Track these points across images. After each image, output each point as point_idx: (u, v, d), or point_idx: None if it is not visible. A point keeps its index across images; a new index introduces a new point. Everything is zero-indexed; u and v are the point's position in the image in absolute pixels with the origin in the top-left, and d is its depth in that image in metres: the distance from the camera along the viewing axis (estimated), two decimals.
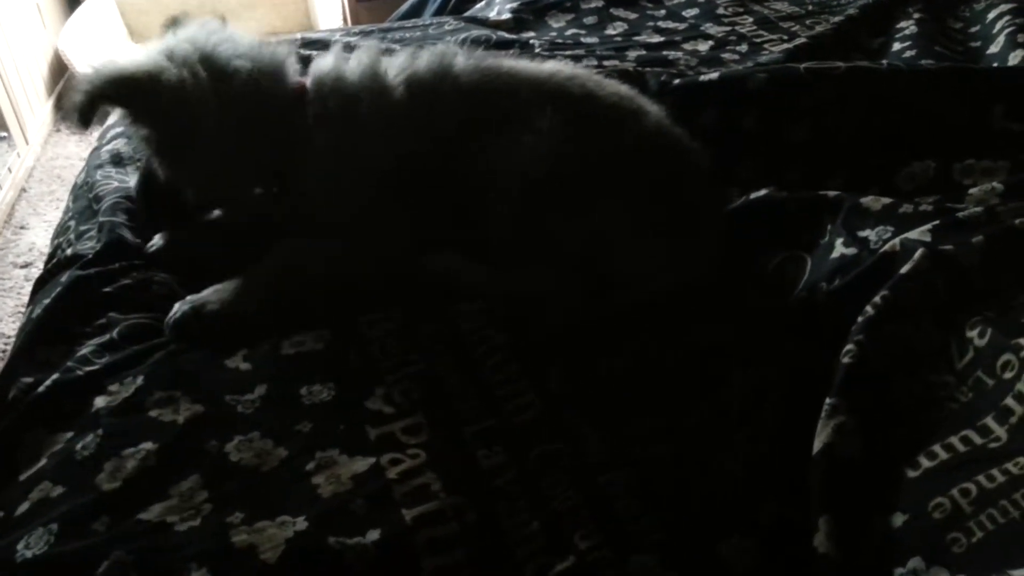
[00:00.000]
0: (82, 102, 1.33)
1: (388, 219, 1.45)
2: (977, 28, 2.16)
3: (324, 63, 1.51)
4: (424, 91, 1.47)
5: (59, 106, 3.97)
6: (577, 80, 1.53)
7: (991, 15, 2.14)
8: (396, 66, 1.50)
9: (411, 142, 1.45)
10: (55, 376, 1.24)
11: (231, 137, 1.40)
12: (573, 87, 1.51)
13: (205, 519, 1.04)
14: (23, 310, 2.65)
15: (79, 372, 1.25)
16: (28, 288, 2.75)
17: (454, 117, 1.46)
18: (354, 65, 1.49)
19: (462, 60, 1.52)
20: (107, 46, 4.02)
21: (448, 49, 1.54)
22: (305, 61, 1.56)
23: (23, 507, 1.08)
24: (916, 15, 2.19)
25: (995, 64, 1.96)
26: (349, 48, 1.56)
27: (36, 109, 3.75)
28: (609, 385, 1.24)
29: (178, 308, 1.34)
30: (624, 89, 1.57)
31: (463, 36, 2.17)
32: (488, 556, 1.01)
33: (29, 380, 1.26)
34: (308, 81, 1.48)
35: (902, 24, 2.18)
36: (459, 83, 1.49)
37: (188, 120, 1.37)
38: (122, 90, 1.36)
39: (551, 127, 1.42)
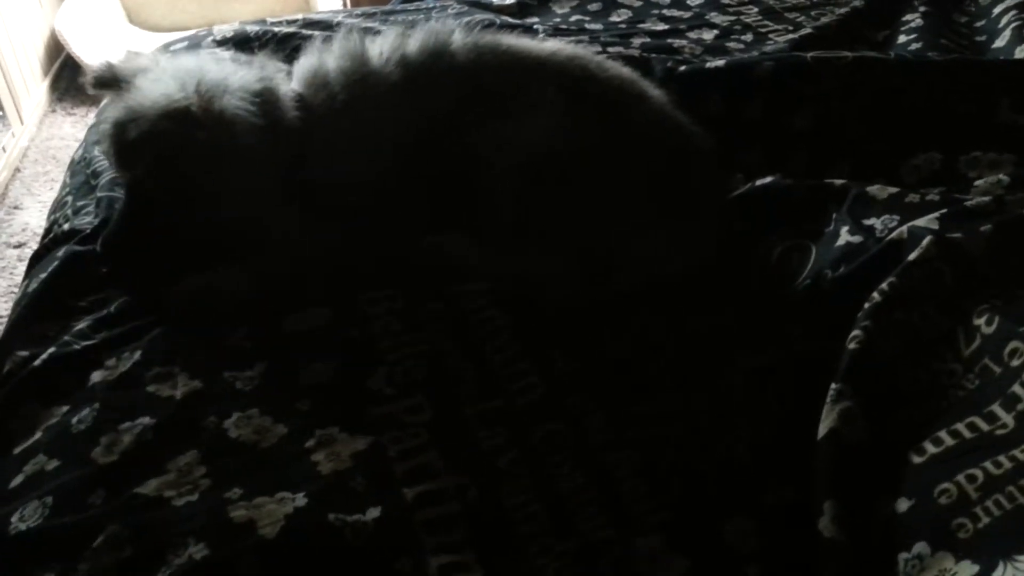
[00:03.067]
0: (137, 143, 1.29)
1: (391, 204, 1.43)
2: (983, 22, 2.15)
3: (305, 64, 1.49)
4: (419, 70, 1.45)
5: (55, 87, 3.94)
6: (579, 60, 1.52)
7: (997, 9, 2.13)
8: (385, 48, 1.47)
9: (408, 123, 1.43)
10: (51, 350, 1.23)
11: (254, 166, 1.36)
12: (574, 67, 1.50)
13: (203, 494, 1.03)
14: (15, 290, 2.64)
15: (76, 346, 1.24)
16: (21, 268, 2.74)
17: (452, 96, 1.44)
18: (334, 56, 1.46)
19: (459, 37, 1.50)
20: (104, 26, 3.99)
21: (442, 27, 1.51)
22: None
23: (17, 480, 1.07)
24: (922, 8, 2.18)
25: (1001, 57, 1.95)
26: (328, 40, 1.53)
27: (32, 89, 3.72)
28: (613, 367, 1.23)
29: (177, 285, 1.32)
30: (626, 71, 1.56)
31: (466, 20, 2.15)
32: (489, 536, 1.00)
33: (25, 354, 1.25)
34: (295, 86, 1.45)
35: (908, 17, 2.16)
36: (456, 61, 1.47)
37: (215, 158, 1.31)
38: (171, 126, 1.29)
39: (552, 107, 1.41)
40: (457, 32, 1.50)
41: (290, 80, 1.47)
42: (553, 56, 1.51)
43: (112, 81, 1.36)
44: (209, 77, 1.34)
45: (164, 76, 1.33)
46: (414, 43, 1.48)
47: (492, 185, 1.41)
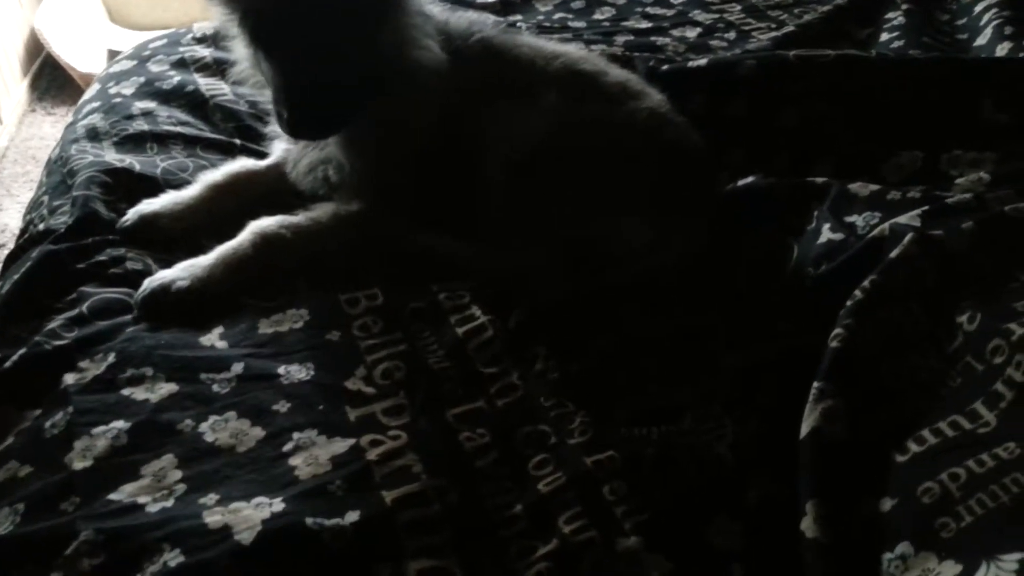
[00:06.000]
0: None
1: (399, 189, 1.45)
2: (964, 20, 2.16)
3: None
4: (456, 49, 1.47)
5: (35, 86, 3.90)
6: (585, 62, 1.57)
7: (978, 7, 2.13)
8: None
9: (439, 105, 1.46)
10: (22, 351, 1.20)
11: None
12: (580, 67, 1.54)
13: (179, 499, 1.01)
14: None
15: (47, 347, 1.21)
16: None
17: (467, 84, 1.46)
18: None
19: (489, 28, 1.56)
20: (84, 24, 3.94)
21: (480, 16, 1.56)
22: None
23: None
24: (904, 6, 2.18)
25: (982, 56, 1.96)
26: None
27: (11, 88, 3.67)
28: (596, 366, 1.22)
29: (147, 285, 1.30)
30: (629, 75, 1.60)
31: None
32: (470, 538, 0.99)
33: None
34: None
35: (890, 15, 2.17)
36: (469, 52, 1.49)
37: None
38: None
39: (553, 103, 1.44)
40: (490, 23, 1.57)
41: None
42: (561, 56, 1.55)
43: None
44: None
45: None
46: (457, 24, 1.53)
47: (485, 177, 1.43)
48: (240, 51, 1.45)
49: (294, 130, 1.38)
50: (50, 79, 3.98)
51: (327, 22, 1.29)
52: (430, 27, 1.43)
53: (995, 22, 2.03)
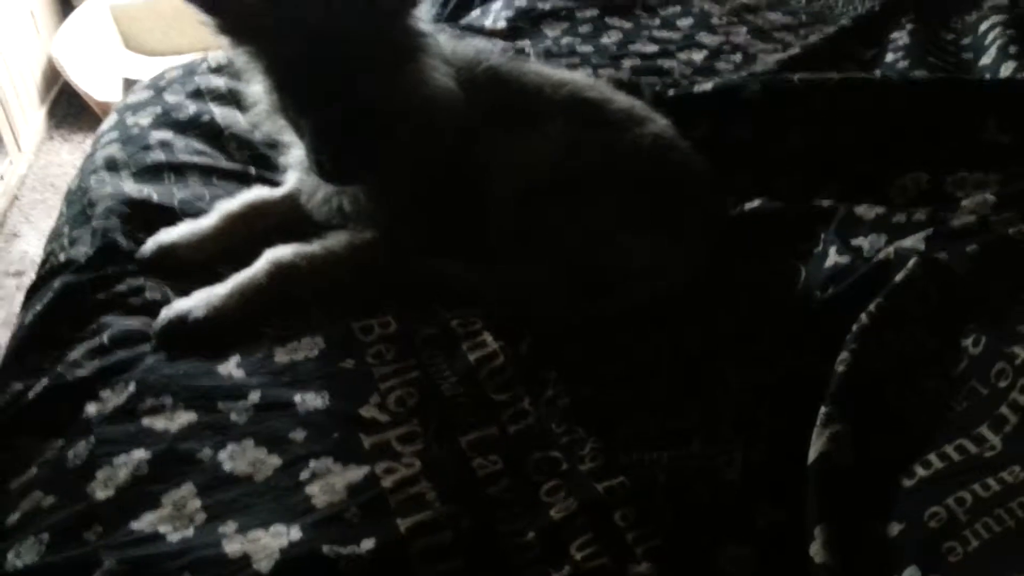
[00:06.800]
0: None
1: (411, 217, 1.47)
2: (969, 39, 2.17)
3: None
4: (464, 79, 1.50)
5: (53, 114, 3.96)
6: (592, 90, 1.60)
7: (983, 26, 2.15)
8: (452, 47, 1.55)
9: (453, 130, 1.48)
10: (44, 382, 1.23)
11: None
12: (586, 95, 1.57)
13: (198, 528, 1.03)
14: (15, 319, 2.64)
15: (69, 377, 1.24)
16: (20, 297, 2.73)
17: (475, 113, 1.49)
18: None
19: (496, 57, 1.59)
20: (100, 52, 4.01)
21: (486, 45, 1.58)
22: None
23: (14, 517, 1.07)
24: (909, 26, 2.20)
25: (987, 75, 1.97)
26: None
27: (29, 116, 3.73)
28: (605, 391, 1.24)
29: (164, 315, 1.33)
30: (634, 101, 1.62)
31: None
32: (483, 565, 1.01)
33: (19, 386, 1.25)
34: None
35: (895, 35, 2.18)
36: (486, 77, 1.53)
37: None
38: None
39: (560, 130, 1.46)
40: (495, 52, 1.60)
41: None
42: (568, 84, 1.58)
43: None
44: None
45: None
46: (464, 52, 1.56)
47: (494, 203, 1.45)
48: (258, 93, 1.48)
49: (333, 178, 1.41)
50: (67, 107, 4.04)
51: (356, 71, 1.33)
52: (441, 60, 1.46)
53: (999, 41, 2.04)
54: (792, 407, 1.17)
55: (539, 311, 1.38)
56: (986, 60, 2.03)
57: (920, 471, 1.02)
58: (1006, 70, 1.93)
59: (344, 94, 1.33)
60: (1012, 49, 1.98)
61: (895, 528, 0.98)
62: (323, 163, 1.37)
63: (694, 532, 1.04)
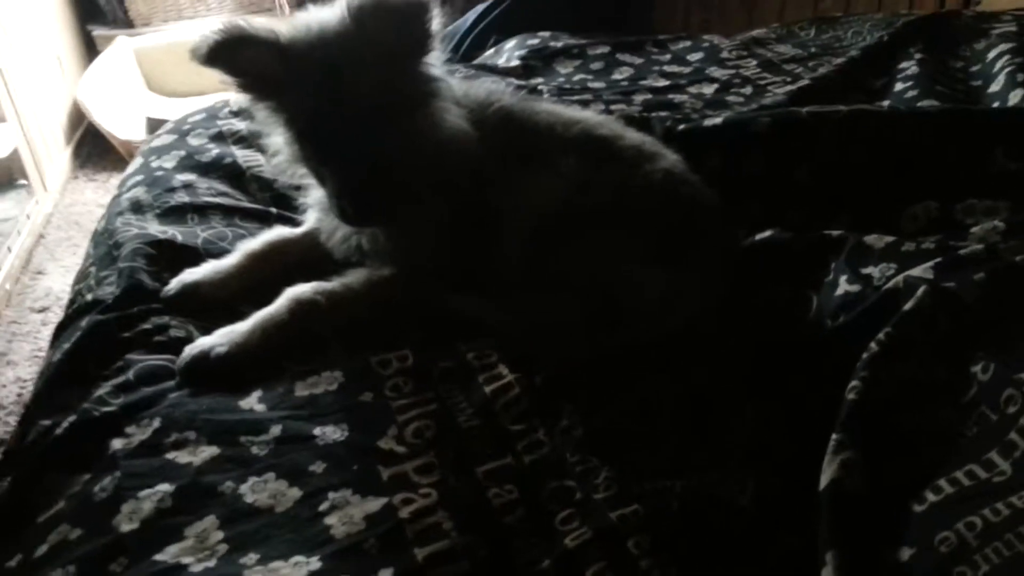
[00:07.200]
0: None
1: (428, 255, 1.51)
2: (978, 67, 2.19)
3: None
4: (476, 120, 1.54)
5: (77, 154, 4.05)
6: (602, 127, 1.63)
7: (991, 54, 2.17)
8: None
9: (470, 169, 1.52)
10: (72, 418, 1.26)
11: None
12: (597, 132, 1.60)
13: (220, 560, 1.05)
14: (40, 354, 2.69)
15: (95, 413, 1.27)
16: (45, 332, 2.81)
17: (489, 153, 1.52)
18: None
19: (507, 97, 1.64)
20: (124, 94, 4.11)
21: (496, 86, 1.62)
22: None
23: (42, 549, 1.10)
24: (917, 55, 2.22)
25: (996, 103, 1.99)
26: None
27: (55, 156, 3.83)
28: (619, 421, 1.25)
29: (187, 352, 1.36)
30: (648, 138, 1.66)
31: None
32: None
33: (47, 423, 1.28)
34: None
35: (903, 64, 2.21)
36: (498, 118, 1.57)
37: None
38: None
39: (572, 168, 1.50)
40: (508, 91, 1.65)
41: None
42: (579, 123, 1.62)
43: None
44: None
45: None
46: (477, 92, 1.61)
47: (509, 240, 1.49)
48: (279, 144, 1.54)
49: (357, 223, 1.48)
50: (92, 147, 4.14)
51: (374, 120, 1.38)
52: (453, 102, 1.50)
53: (1008, 69, 2.06)
54: (803, 434, 1.18)
55: (554, 345, 1.40)
56: (995, 88, 2.05)
57: (930, 496, 1.03)
58: (1015, 98, 1.94)
59: (363, 146, 1.39)
60: (1020, 77, 2.00)
61: (906, 553, 0.99)
62: (345, 208, 1.43)
63: (707, 559, 1.05)
